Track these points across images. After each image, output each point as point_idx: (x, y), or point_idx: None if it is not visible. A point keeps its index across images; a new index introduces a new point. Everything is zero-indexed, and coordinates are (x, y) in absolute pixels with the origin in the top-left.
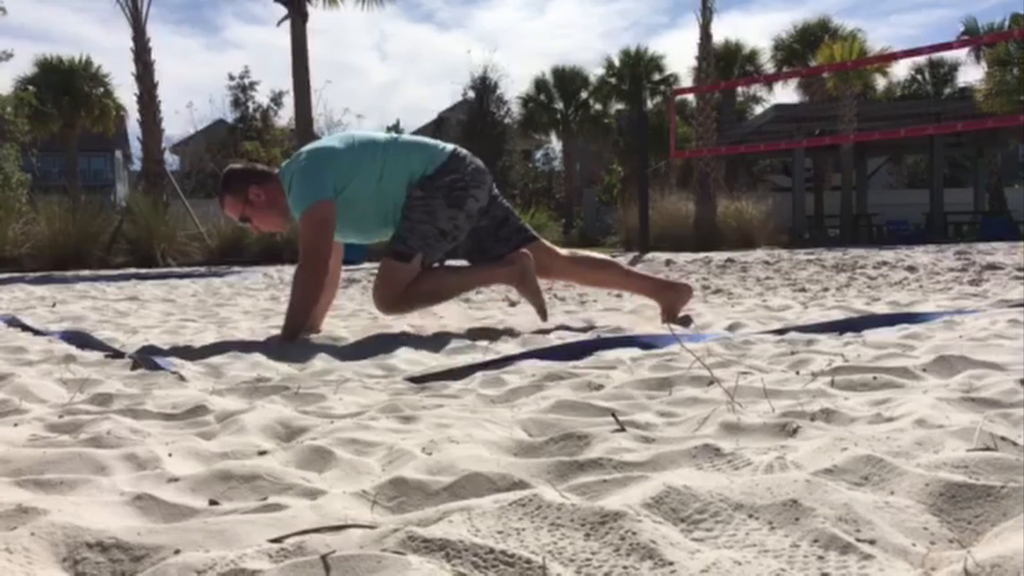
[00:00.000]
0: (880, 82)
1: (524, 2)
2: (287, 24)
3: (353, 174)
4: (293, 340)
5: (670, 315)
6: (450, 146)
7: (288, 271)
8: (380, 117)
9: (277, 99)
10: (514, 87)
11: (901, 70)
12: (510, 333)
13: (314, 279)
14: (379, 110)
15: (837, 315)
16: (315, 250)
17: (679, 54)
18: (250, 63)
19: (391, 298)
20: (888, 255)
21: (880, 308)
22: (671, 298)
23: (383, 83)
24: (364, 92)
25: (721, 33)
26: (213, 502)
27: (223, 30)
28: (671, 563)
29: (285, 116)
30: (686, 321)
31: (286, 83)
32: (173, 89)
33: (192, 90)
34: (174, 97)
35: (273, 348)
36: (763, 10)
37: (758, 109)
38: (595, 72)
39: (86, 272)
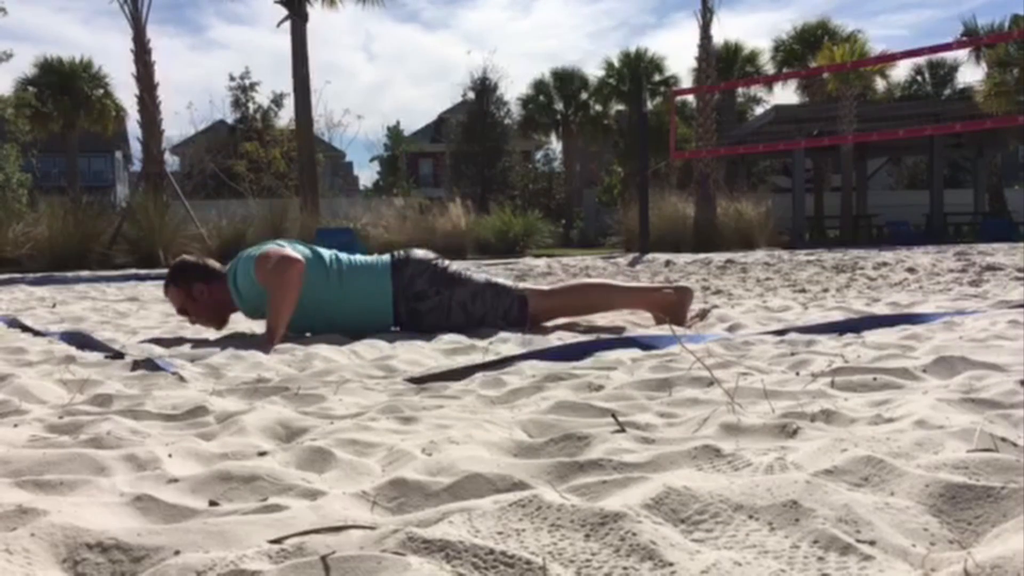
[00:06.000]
0: (880, 83)
1: (509, 2)
2: (272, 23)
3: (307, 265)
4: (273, 343)
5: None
6: (385, 257)
7: None
8: (379, 118)
9: (278, 100)
10: (504, 88)
11: (901, 71)
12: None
13: (288, 281)
14: (370, 111)
15: (837, 316)
16: (279, 264)
17: (671, 54)
18: (235, 64)
19: (544, 313)
20: (888, 256)
21: (880, 309)
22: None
23: (371, 84)
24: (353, 93)
25: (718, 34)
26: (213, 503)
27: (207, 30)
28: (671, 564)
29: (285, 117)
30: (703, 314)
31: (272, 83)
32: (160, 90)
33: (178, 91)
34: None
35: (262, 348)
36: (751, 10)
37: (758, 110)
38: (595, 74)
39: (86, 273)
